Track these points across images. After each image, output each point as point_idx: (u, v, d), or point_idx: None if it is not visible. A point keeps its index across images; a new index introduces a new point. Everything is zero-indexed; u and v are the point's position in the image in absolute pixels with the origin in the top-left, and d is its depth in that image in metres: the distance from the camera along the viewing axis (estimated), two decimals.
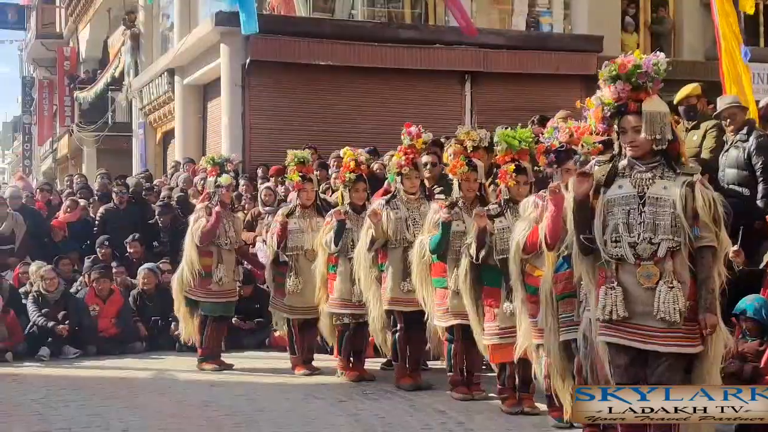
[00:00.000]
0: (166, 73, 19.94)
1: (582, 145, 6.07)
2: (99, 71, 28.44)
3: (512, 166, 6.91)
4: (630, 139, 4.91)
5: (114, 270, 11.44)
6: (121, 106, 26.50)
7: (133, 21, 23.40)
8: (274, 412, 7.25)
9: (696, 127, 9.05)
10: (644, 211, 4.84)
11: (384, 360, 9.29)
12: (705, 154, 8.81)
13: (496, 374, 7.24)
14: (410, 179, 8.10)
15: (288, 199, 12.44)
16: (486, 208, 7.08)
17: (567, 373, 5.87)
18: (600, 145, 5.89)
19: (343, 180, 8.64)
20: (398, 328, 8.02)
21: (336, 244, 8.37)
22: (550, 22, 18.68)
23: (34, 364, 10.01)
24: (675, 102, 9.30)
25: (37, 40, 34.68)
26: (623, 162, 4.99)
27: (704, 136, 8.92)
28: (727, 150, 8.49)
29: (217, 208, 9.18)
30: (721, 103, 8.73)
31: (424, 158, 8.51)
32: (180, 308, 9.59)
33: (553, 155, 6.19)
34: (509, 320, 6.77)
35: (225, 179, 9.35)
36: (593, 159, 5.50)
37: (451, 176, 7.68)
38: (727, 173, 8.40)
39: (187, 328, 9.64)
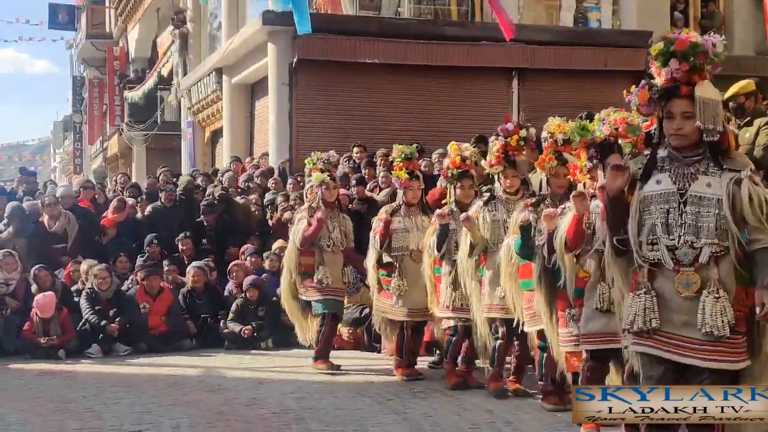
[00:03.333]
0: (214, 73, 20.11)
1: (626, 135, 5.75)
2: (148, 71, 28.76)
3: (583, 161, 6.30)
4: (677, 126, 4.33)
5: (165, 269, 11.56)
6: (170, 106, 26.77)
7: (182, 20, 23.60)
8: (322, 410, 7.26)
9: (749, 123, 8.92)
10: (685, 211, 4.30)
11: (434, 358, 9.29)
12: (758, 152, 8.68)
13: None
14: (507, 178, 7.58)
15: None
16: (561, 207, 6.53)
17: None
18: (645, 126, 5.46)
19: (446, 176, 8.19)
20: (500, 334, 7.57)
21: (439, 249, 7.93)
22: (597, 18, 18.54)
23: (86, 361, 10.14)
24: (725, 98, 9.18)
25: (87, 40, 35.17)
26: (662, 153, 4.44)
27: (757, 133, 8.79)
28: None
29: (320, 214, 8.87)
30: None
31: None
32: (291, 311, 9.32)
33: (594, 149, 5.93)
34: None
35: (316, 178, 9.03)
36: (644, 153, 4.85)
37: (539, 170, 7.19)
38: None
39: (302, 329, 9.34)
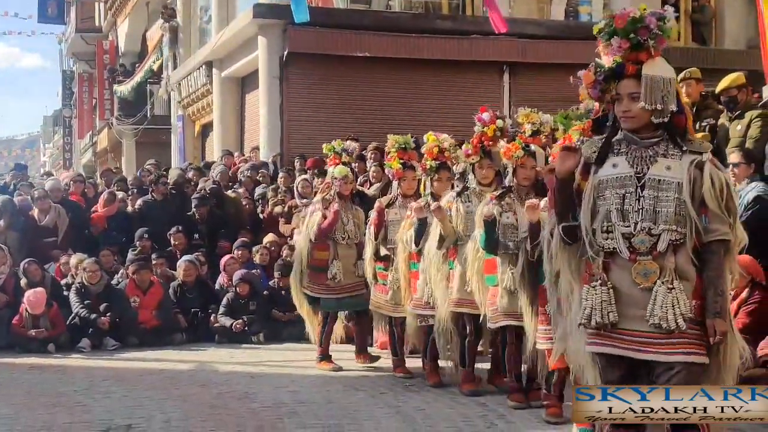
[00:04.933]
0: (204, 66, 20.07)
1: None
2: (138, 65, 28.68)
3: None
4: (624, 107, 4.04)
5: (154, 261, 11.52)
6: (159, 100, 26.70)
7: (171, 14, 23.53)
8: (315, 404, 7.23)
9: (740, 116, 8.92)
10: (643, 196, 4.01)
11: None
12: (749, 144, 8.68)
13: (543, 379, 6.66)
14: (482, 168, 7.37)
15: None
16: (544, 200, 6.35)
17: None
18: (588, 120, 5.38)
19: (425, 168, 7.96)
20: (467, 332, 7.39)
21: (417, 244, 7.68)
22: (588, 12, 18.55)
23: (76, 355, 10.10)
24: (717, 92, 9.20)
25: (77, 34, 35.04)
26: (619, 136, 4.16)
27: (749, 126, 8.79)
28: None
29: (336, 207, 8.65)
30: None
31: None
32: (302, 306, 9.11)
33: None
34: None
35: (339, 171, 8.78)
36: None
37: (506, 161, 6.96)
38: None
39: (312, 327, 9.12)
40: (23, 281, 10.67)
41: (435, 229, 7.43)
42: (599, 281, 4.05)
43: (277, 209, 12.92)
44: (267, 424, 6.62)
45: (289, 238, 12.42)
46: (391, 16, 17.24)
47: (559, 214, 4.23)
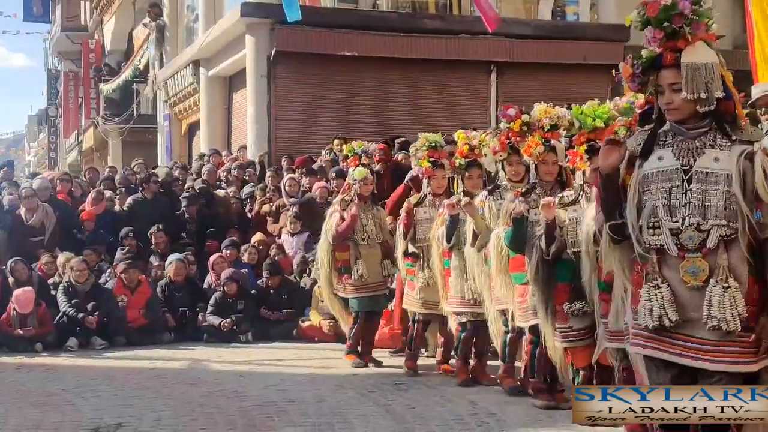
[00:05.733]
0: (191, 65, 20.01)
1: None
2: (124, 63, 28.59)
3: (584, 147, 6.07)
4: (667, 99, 3.85)
5: (156, 264, 11.60)
6: (146, 98, 26.62)
7: (158, 13, 23.47)
8: (304, 402, 7.23)
9: None
10: (690, 189, 3.80)
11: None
12: None
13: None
14: (512, 165, 7.19)
15: (314, 190, 12.51)
16: (560, 195, 6.38)
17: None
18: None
19: (454, 166, 7.95)
20: (509, 328, 7.24)
21: (448, 240, 7.62)
22: (575, 12, 18.59)
23: (65, 354, 10.06)
24: None
25: (62, 32, 34.89)
26: (665, 127, 3.96)
27: None
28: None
29: (354, 210, 8.65)
30: (756, 91, 8.62)
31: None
32: (334, 308, 9.11)
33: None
34: (583, 320, 6.20)
35: (359, 173, 8.77)
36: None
37: (527, 157, 6.89)
38: None
39: (347, 327, 9.11)
40: (10, 280, 10.63)
41: (470, 228, 7.33)
42: (659, 279, 3.86)
43: (265, 208, 12.91)
44: (257, 422, 6.62)
45: (277, 237, 12.43)
46: (379, 15, 17.24)
47: (606, 212, 4.05)
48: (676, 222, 3.83)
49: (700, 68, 3.78)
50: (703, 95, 3.78)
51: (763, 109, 8.37)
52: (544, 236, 6.23)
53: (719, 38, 3.94)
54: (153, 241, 12.07)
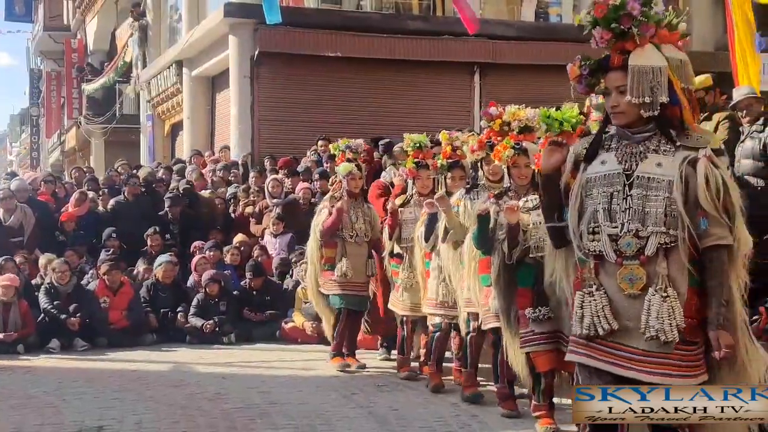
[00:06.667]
0: (174, 65, 19.95)
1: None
2: (107, 63, 28.47)
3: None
4: (613, 102, 3.80)
5: (144, 267, 11.59)
6: (129, 98, 26.51)
7: (140, 13, 23.39)
8: (287, 404, 7.22)
9: (708, 118, 9.00)
10: (631, 195, 3.74)
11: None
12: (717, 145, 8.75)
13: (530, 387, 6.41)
14: (489, 164, 7.03)
15: (297, 191, 12.50)
16: (524, 200, 6.30)
17: None
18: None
19: (436, 167, 7.87)
20: (471, 328, 7.10)
21: (426, 240, 7.52)
22: (559, 13, 18.64)
23: (45, 356, 10.01)
24: None
25: (45, 32, 34.70)
26: (611, 131, 3.91)
27: (716, 128, 8.87)
28: (742, 141, 8.44)
29: (339, 205, 8.57)
30: (737, 94, 8.69)
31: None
32: (318, 305, 9.03)
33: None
34: (544, 325, 6.01)
35: (344, 168, 8.69)
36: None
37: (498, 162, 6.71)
38: (742, 164, 8.36)
39: (328, 324, 8.99)
40: None
41: (441, 222, 7.21)
42: (594, 286, 3.80)
43: (248, 209, 12.89)
44: (239, 425, 6.60)
45: (260, 239, 12.41)
46: (362, 16, 17.24)
47: (545, 213, 4.03)
48: (615, 228, 3.76)
49: (647, 72, 3.71)
50: (647, 99, 3.72)
51: (744, 111, 8.43)
52: (506, 240, 6.13)
53: (684, 37, 3.88)
54: (149, 243, 12.00)
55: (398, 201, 8.38)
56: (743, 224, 3.78)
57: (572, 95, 4.14)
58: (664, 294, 3.66)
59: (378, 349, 9.54)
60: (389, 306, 8.56)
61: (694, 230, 3.68)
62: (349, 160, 8.77)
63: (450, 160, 7.72)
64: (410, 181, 8.37)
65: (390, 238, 8.31)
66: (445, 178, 7.80)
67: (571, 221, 3.88)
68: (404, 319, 8.31)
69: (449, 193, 7.54)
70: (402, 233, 8.23)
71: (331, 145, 9.14)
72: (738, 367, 3.79)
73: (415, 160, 8.14)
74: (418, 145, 8.16)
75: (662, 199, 3.70)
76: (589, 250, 3.81)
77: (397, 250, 8.28)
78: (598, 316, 3.76)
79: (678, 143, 3.76)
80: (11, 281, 10.29)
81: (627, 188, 3.75)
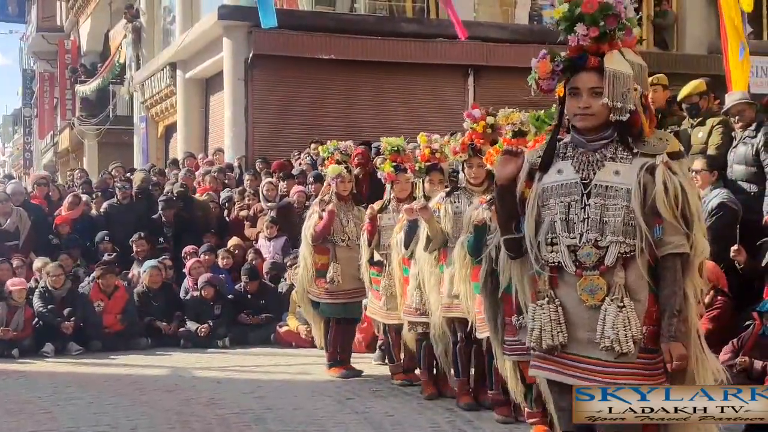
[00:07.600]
0: (168, 67, 19.94)
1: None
2: (100, 65, 28.44)
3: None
4: (584, 104, 3.65)
5: (135, 273, 11.58)
6: (122, 100, 26.49)
7: (134, 15, 23.36)
8: (281, 410, 7.22)
9: (702, 123, 9.02)
10: (589, 204, 3.63)
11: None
12: (711, 151, 8.77)
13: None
14: (472, 167, 6.92)
15: (291, 195, 12.50)
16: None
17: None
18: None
19: (414, 170, 7.69)
20: (458, 338, 7.04)
21: (407, 246, 7.39)
22: (552, 16, 18.62)
23: (40, 360, 10.00)
24: (678, 99, 9.28)
25: (38, 33, 34.64)
26: (565, 140, 3.78)
27: (710, 133, 8.89)
28: (735, 146, 8.45)
29: (331, 207, 8.36)
30: (730, 99, 8.70)
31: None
32: (306, 310, 8.89)
33: None
34: None
35: (333, 170, 8.49)
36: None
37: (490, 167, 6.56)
38: (735, 170, 8.38)
39: (318, 332, 8.90)
40: None
41: (423, 231, 7.10)
42: (546, 299, 3.70)
43: (243, 213, 12.89)
44: (234, 430, 6.62)
45: (254, 242, 12.41)
46: (356, 18, 17.25)
47: (501, 225, 3.89)
48: (573, 238, 3.66)
49: (622, 77, 3.61)
50: (618, 105, 3.60)
51: (737, 117, 8.45)
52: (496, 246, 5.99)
53: (639, 42, 3.87)
54: (134, 248, 11.96)
55: (376, 206, 8.20)
56: (701, 231, 3.72)
57: (531, 94, 3.95)
58: (621, 304, 3.59)
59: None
60: (369, 314, 8.45)
61: (650, 238, 3.62)
62: (338, 162, 8.60)
63: (428, 163, 7.53)
64: (388, 186, 8.18)
65: (369, 245, 8.09)
66: (422, 182, 7.61)
67: (527, 232, 3.75)
68: (386, 327, 8.21)
69: (426, 197, 7.41)
70: (381, 240, 8.06)
71: (320, 148, 9.04)
72: (688, 376, 3.75)
73: (394, 163, 8.00)
74: (395, 148, 8.03)
75: (621, 208, 3.62)
76: (547, 261, 3.70)
77: (376, 257, 8.10)
78: (545, 329, 3.68)
79: (635, 150, 3.68)
80: (22, 284, 10.35)
81: (585, 197, 3.66)
